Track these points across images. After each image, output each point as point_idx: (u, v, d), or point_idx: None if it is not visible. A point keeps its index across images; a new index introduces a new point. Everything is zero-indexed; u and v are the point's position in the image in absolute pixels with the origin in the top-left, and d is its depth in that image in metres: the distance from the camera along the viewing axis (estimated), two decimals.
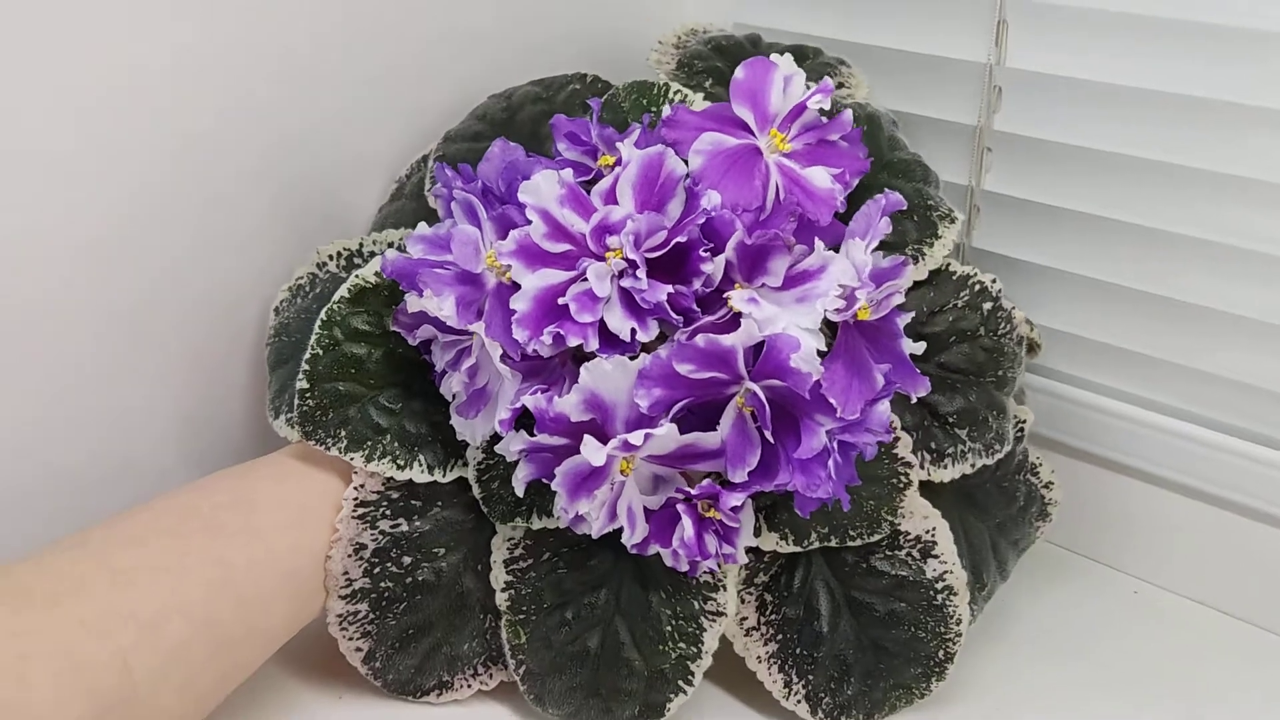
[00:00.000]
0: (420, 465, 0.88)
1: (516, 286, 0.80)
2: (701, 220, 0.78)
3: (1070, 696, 0.94)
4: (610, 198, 0.82)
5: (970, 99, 1.04)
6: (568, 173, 0.82)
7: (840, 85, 1.03)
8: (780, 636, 0.88)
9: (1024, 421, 0.98)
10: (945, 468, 0.92)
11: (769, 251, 0.77)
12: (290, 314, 0.97)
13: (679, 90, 0.96)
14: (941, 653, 0.88)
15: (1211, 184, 0.93)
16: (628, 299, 0.79)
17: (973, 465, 0.92)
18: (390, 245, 0.98)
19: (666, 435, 0.77)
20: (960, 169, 1.05)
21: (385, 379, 0.88)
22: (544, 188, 0.81)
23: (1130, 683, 0.96)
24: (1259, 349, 0.95)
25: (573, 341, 0.78)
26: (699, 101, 0.96)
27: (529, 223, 0.80)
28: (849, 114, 0.85)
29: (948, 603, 0.88)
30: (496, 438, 0.81)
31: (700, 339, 0.75)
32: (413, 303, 0.84)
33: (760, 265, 0.78)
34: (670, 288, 0.78)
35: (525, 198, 0.81)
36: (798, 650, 0.88)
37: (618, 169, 0.82)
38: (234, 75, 0.94)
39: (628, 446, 0.77)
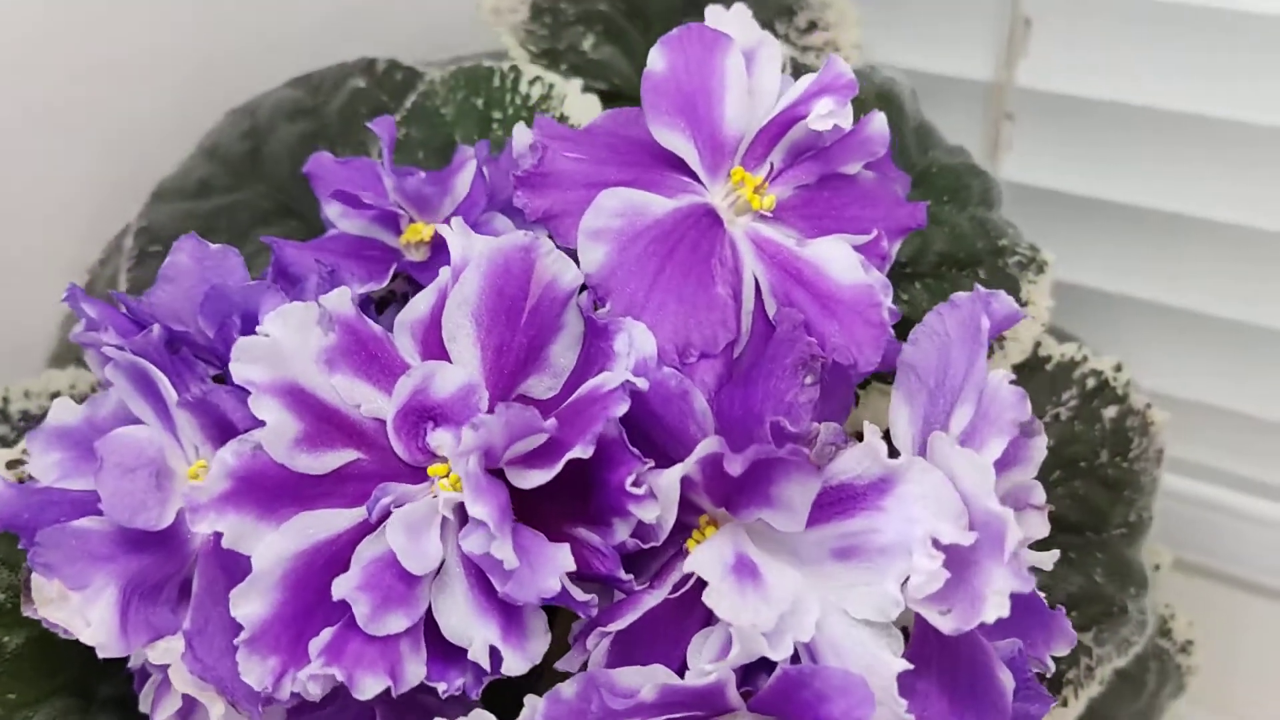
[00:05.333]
0: None
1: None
2: (623, 407, 0.37)
3: None
4: (431, 341, 0.41)
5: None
6: (338, 296, 0.40)
7: (822, 31, 0.61)
8: None
9: (1156, 567, 0.61)
10: (1065, 704, 0.55)
11: (774, 470, 0.36)
12: None
13: (538, 78, 0.54)
14: None
15: None
16: (477, 572, 0.38)
17: (1102, 680, 0.54)
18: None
19: None
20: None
21: (36, 686, 0.50)
22: (287, 343, 0.39)
23: None
24: None
25: (369, 687, 0.37)
26: (575, 96, 0.54)
27: (258, 421, 0.38)
28: (880, 120, 0.44)
29: None
30: None
31: (649, 690, 0.35)
32: (37, 591, 0.41)
33: (756, 492, 0.37)
34: (566, 551, 0.37)
35: (248, 371, 0.38)
36: None
37: (444, 280, 0.41)
38: None
39: None
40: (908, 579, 0.36)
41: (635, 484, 0.36)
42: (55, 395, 0.57)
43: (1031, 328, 0.53)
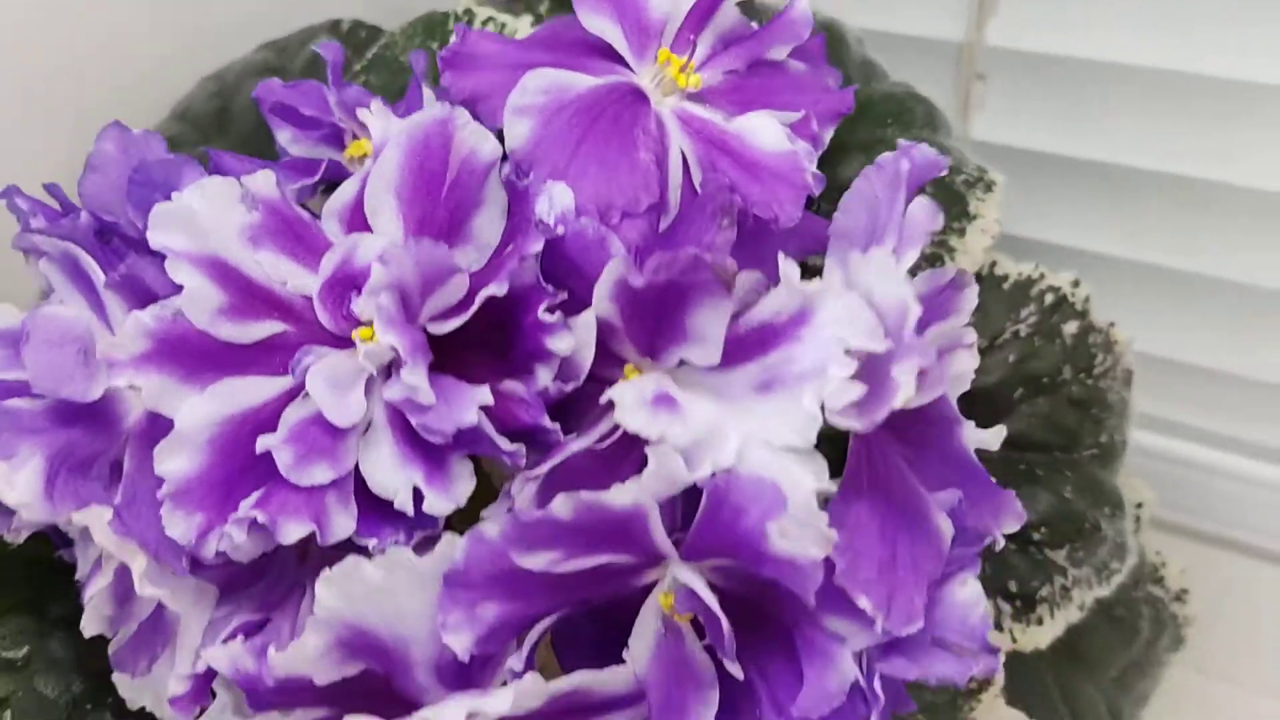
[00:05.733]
0: None
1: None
2: (537, 245, 0.37)
3: None
4: (356, 221, 0.41)
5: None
6: (262, 177, 0.41)
7: None
8: None
9: (1139, 505, 0.59)
10: (1040, 623, 0.53)
11: (686, 296, 0.36)
12: None
13: (490, 18, 0.55)
14: None
15: None
16: (403, 425, 0.38)
17: (1082, 605, 0.53)
18: None
19: (521, 694, 0.36)
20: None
21: None
22: (206, 213, 0.39)
23: None
24: None
25: (292, 532, 0.37)
26: (526, 31, 0.55)
27: (177, 288, 0.39)
28: (803, 6, 0.45)
29: None
30: None
31: (564, 504, 0.34)
32: None
33: (672, 325, 0.37)
34: (484, 388, 0.37)
35: (165, 237, 0.39)
36: None
37: (369, 168, 0.41)
38: None
39: None
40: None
41: (549, 311, 0.36)
42: None
43: (981, 239, 0.53)
